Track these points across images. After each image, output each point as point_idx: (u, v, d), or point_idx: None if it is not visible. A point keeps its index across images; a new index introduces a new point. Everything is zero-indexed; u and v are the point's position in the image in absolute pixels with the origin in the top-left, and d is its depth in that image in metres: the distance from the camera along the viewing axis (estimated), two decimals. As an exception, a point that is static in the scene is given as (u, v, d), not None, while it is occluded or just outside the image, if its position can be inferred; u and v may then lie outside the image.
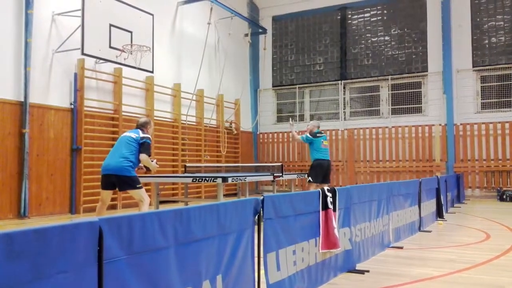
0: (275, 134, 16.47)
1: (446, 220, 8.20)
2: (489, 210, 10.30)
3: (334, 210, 4.11)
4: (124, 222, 1.96)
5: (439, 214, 8.34)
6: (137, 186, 5.88)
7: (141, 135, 5.99)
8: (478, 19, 13.91)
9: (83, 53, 8.97)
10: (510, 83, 13.41)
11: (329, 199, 4.01)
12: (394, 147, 14.61)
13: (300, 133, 10.68)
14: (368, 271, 4.36)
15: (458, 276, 4.29)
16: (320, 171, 8.59)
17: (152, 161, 6.11)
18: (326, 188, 4.09)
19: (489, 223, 8.04)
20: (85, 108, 9.79)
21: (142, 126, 6.14)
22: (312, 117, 15.84)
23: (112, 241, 1.87)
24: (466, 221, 8.24)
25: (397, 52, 14.99)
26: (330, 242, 3.96)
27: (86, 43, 8.90)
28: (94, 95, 10.17)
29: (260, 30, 16.42)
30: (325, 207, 3.95)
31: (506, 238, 6.39)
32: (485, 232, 6.90)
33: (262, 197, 3.02)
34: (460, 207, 10.80)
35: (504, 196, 12.59)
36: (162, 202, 8.23)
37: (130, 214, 2.04)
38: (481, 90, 13.88)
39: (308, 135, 8.71)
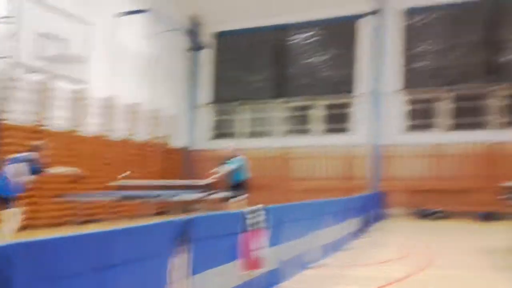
0: (211, 151, 16.40)
1: (368, 238, 8.53)
2: (410, 228, 10.88)
3: (262, 228, 4.13)
4: (35, 247, 1.86)
5: (362, 231, 8.67)
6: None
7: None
8: (408, 44, 14.79)
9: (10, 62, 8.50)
10: (433, 106, 14.35)
11: (249, 220, 4.01)
12: (325, 165, 15.08)
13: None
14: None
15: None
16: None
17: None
18: (248, 208, 4.11)
19: (409, 240, 8.48)
20: (6, 121, 9.24)
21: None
22: (251, 134, 16.04)
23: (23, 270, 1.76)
24: (387, 239, 8.63)
25: (330, 73, 15.63)
26: (251, 262, 3.95)
27: (14, 51, 8.44)
28: (19, 106, 9.62)
29: (201, 45, 16.44)
30: (245, 228, 3.95)
31: (423, 255, 6.77)
32: (405, 249, 7.27)
33: (182, 218, 2.98)
34: (382, 225, 11.29)
35: (424, 214, 13.36)
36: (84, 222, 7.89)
37: (42, 239, 1.95)
38: (407, 112, 14.71)
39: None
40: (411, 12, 14.74)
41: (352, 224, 8.02)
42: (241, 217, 3.93)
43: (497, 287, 4.87)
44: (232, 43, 16.85)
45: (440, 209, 13.33)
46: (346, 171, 14.84)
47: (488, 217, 12.76)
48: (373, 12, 14.78)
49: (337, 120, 15.36)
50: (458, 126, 14.09)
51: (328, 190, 14.64)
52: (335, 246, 6.81)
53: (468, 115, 13.98)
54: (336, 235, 6.88)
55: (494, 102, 13.72)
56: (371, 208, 10.12)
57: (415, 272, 5.50)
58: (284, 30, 16.19)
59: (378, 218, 11.74)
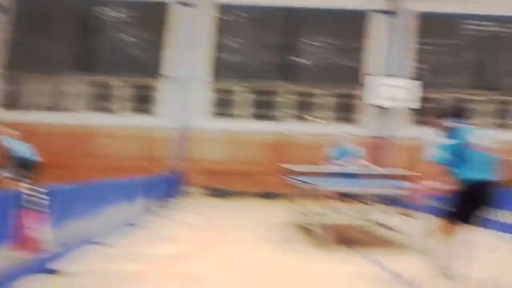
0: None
1: (162, 216, 8.61)
2: (205, 207, 11.36)
3: (42, 209, 3.79)
4: None
5: (155, 210, 8.68)
6: None
7: None
8: (220, 35, 15.33)
9: None
10: (234, 96, 15.29)
11: (28, 200, 3.65)
12: (128, 145, 14.69)
13: None
14: (70, 272, 4.17)
15: (160, 270, 4.53)
16: None
17: None
18: (28, 187, 3.73)
19: (202, 218, 8.85)
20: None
21: None
22: (50, 109, 14.63)
23: None
24: (181, 217, 8.87)
25: (139, 54, 15.22)
26: (26, 244, 3.61)
27: None
28: None
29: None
30: (22, 207, 3.58)
31: (212, 232, 7.14)
32: (195, 226, 7.55)
33: None
34: (178, 203, 11.54)
35: (217, 194, 14.23)
36: None
37: None
38: (211, 99, 15.35)
39: None
40: (224, 8, 15.37)
41: (146, 203, 7.97)
42: (18, 196, 3.54)
43: (274, 258, 5.41)
44: (33, 8, 15.01)
45: (233, 189, 14.35)
46: (149, 152, 14.74)
47: (272, 196, 14.23)
48: (186, 3, 14.90)
49: (143, 101, 15.10)
50: (254, 117, 15.36)
51: (130, 169, 14.34)
52: (125, 225, 6.67)
53: (262, 108, 15.36)
54: (127, 214, 6.74)
55: (284, 98, 15.38)
56: (168, 188, 10.23)
57: (202, 248, 5.75)
58: (92, 1, 15.19)
59: (175, 197, 11.95)
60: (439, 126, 4.38)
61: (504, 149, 14.38)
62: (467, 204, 4.10)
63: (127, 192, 6.83)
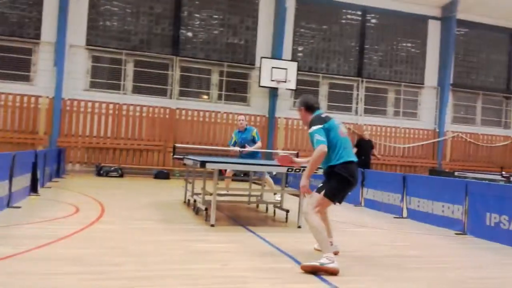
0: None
1: (40, 195, 8.05)
2: (86, 184, 10.81)
3: None
4: None
5: (34, 189, 8.11)
6: None
7: None
8: (95, 0, 14.32)
9: None
10: (118, 67, 14.48)
11: None
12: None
13: None
14: None
15: (37, 252, 4.26)
16: None
17: None
18: None
19: (83, 197, 8.42)
20: None
21: None
22: None
23: None
24: (60, 196, 8.35)
25: (9, 12, 13.64)
26: None
27: None
28: None
29: None
30: None
31: (94, 211, 6.84)
32: (76, 206, 7.17)
33: None
34: (58, 181, 10.88)
35: (101, 172, 13.53)
36: None
37: None
38: (92, 69, 14.40)
39: None
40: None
41: (22, 181, 7.36)
42: None
43: (157, 236, 5.36)
44: None
45: (118, 166, 13.77)
46: (22, 124, 13.50)
47: (161, 175, 14.00)
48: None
49: (15, 67, 13.66)
50: (140, 90, 14.74)
51: (2, 143, 13.08)
52: (-2, 205, 6.12)
53: (149, 81, 14.80)
54: (1, 192, 6.17)
55: (172, 72, 14.94)
56: (46, 165, 9.54)
57: (81, 228, 5.50)
58: None
59: (55, 175, 11.23)
60: (305, 118, 4.73)
61: (378, 132, 15.80)
62: (341, 185, 4.47)
63: (2, 168, 6.22)
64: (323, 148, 4.31)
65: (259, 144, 8.98)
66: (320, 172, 5.01)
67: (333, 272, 4.06)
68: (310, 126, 4.50)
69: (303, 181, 4.47)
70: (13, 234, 4.98)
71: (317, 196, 4.49)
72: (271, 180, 8.69)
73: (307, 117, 4.70)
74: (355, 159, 4.54)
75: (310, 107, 4.74)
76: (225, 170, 9.29)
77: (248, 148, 8.86)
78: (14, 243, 4.53)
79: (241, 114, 9.47)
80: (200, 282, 3.70)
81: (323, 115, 4.60)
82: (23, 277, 3.52)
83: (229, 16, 15.58)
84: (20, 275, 3.57)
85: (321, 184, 4.58)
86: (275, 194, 8.75)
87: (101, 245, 4.75)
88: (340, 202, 4.66)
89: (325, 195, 4.44)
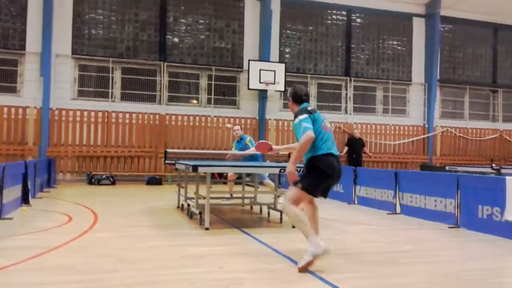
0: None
1: (31, 206, 7.98)
2: (78, 193, 10.73)
3: None
4: None
5: (25, 200, 8.03)
6: None
7: None
8: (80, 9, 14.25)
9: None
10: (106, 75, 14.41)
11: None
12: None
13: None
14: None
15: (31, 263, 4.22)
16: None
17: None
18: None
19: (75, 206, 8.36)
20: None
21: None
22: None
23: None
24: (52, 206, 8.28)
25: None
26: None
27: None
28: None
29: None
30: None
31: (86, 220, 6.80)
32: (69, 215, 7.12)
33: None
34: (49, 191, 10.79)
35: (93, 180, 13.44)
36: None
37: None
38: (79, 78, 14.31)
39: None
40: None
41: (13, 192, 7.29)
42: None
43: (151, 242, 5.34)
44: None
45: (109, 174, 13.69)
46: (11, 135, 13.37)
47: (153, 181, 13.94)
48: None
49: (2, 79, 13.52)
50: (128, 97, 14.67)
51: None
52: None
53: (137, 88, 14.72)
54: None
55: (160, 78, 14.91)
56: (37, 175, 9.46)
57: (75, 237, 5.46)
58: None
59: (46, 185, 11.14)
60: (292, 108, 4.77)
61: (369, 130, 15.88)
62: (318, 177, 4.40)
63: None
64: (310, 133, 4.27)
65: (252, 149, 9.12)
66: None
67: (325, 252, 4.14)
68: (295, 116, 4.49)
69: (290, 167, 4.39)
70: (6, 246, 4.93)
71: (294, 189, 4.41)
72: (272, 184, 8.73)
73: (293, 108, 4.73)
74: (335, 152, 4.47)
75: (298, 99, 4.74)
76: (219, 175, 9.34)
77: (237, 152, 9.06)
78: (7, 254, 4.49)
79: (236, 125, 9.64)
80: (196, 285, 3.69)
81: (309, 108, 4.56)
82: (18, 288, 3.49)
83: (215, 20, 15.59)
84: (15, 286, 3.54)
85: (299, 178, 4.47)
86: (278, 196, 8.71)
87: (96, 253, 4.72)
88: (323, 196, 4.61)
89: (302, 188, 4.36)
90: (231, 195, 8.92)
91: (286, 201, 4.41)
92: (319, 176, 4.38)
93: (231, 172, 8.86)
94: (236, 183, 9.48)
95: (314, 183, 4.40)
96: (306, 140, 4.26)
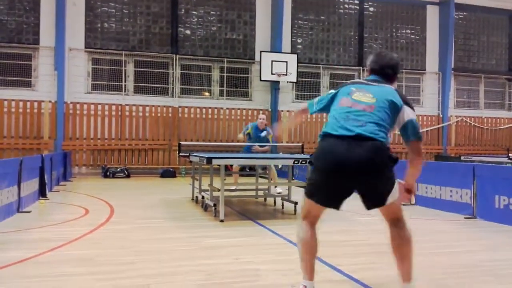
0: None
1: (49, 199, 8.10)
2: (93, 186, 10.86)
3: None
4: None
5: (42, 193, 8.15)
6: None
7: None
8: (92, 2, 14.32)
9: None
10: (119, 68, 14.49)
11: None
12: (6, 122, 13.33)
13: None
14: None
15: (51, 255, 4.29)
16: None
17: None
18: None
19: (91, 199, 8.47)
20: None
21: None
22: None
23: None
24: (69, 199, 8.39)
25: (6, 18, 13.65)
26: None
27: None
28: None
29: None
30: None
31: (103, 212, 6.88)
32: (85, 208, 7.21)
33: None
34: (65, 185, 10.93)
35: (108, 173, 13.58)
36: None
37: None
38: (92, 72, 14.41)
39: None
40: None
41: (30, 186, 7.40)
42: None
43: (167, 234, 5.39)
44: None
45: (124, 167, 13.82)
46: (26, 129, 13.55)
47: (167, 174, 14.04)
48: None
49: (17, 73, 13.67)
50: (141, 90, 14.74)
51: (8, 149, 13.18)
52: (8, 210, 6.16)
53: (150, 81, 14.79)
54: (10, 198, 6.21)
55: (173, 71, 14.94)
56: (53, 169, 9.58)
57: (92, 229, 5.53)
58: None
59: (62, 178, 11.29)
60: None
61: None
62: (310, 174, 3.15)
63: (9, 174, 6.26)
64: (304, 106, 3.47)
65: (268, 147, 9.27)
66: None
67: None
68: None
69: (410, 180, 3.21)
70: (25, 238, 5.02)
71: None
72: (275, 172, 8.78)
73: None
74: (338, 131, 2.89)
75: (367, 69, 3.41)
76: (231, 166, 9.37)
77: (258, 148, 9.07)
78: (27, 247, 4.57)
79: (262, 114, 9.70)
80: (213, 276, 3.72)
81: (356, 80, 3.34)
82: (40, 280, 3.55)
83: (226, 12, 15.55)
84: (36, 278, 3.60)
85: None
86: (276, 186, 8.77)
87: (113, 245, 4.78)
88: (333, 206, 3.01)
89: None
90: (236, 187, 8.94)
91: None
92: (311, 173, 3.09)
93: (235, 164, 8.90)
94: (249, 175, 9.51)
95: (308, 184, 3.10)
96: (299, 110, 3.59)
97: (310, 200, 3.05)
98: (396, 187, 2.93)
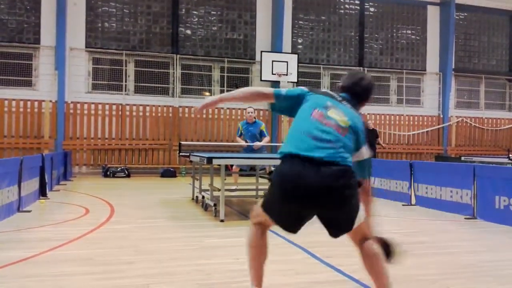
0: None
1: (49, 198, 8.10)
2: (94, 186, 10.86)
3: None
4: None
5: (42, 192, 8.15)
6: None
7: None
8: (92, 2, 14.32)
9: None
10: (119, 68, 14.50)
11: None
12: (6, 122, 13.33)
13: None
14: None
15: (51, 254, 4.29)
16: None
17: None
18: None
19: (91, 198, 8.47)
20: None
21: None
22: None
23: None
24: (69, 198, 8.39)
25: (7, 18, 13.65)
26: None
27: None
28: None
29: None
30: None
31: (103, 212, 6.88)
32: (86, 207, 7.21)
33: None
34: (66, 184, 10.93)
35: (108, 173, 13.58)
36: None
37: None
38: (93, 71, 14.41)
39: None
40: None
41: (30, 185, 7.40)
42: None
43: (167, 234, 5.39)
44: None
45: (124, 167, 13.82)
46: (27, 129, 13.55)
47: (167, 173, 14.04)
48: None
49: (17, 73, 13.67)
50: (142, 90, 14.74)
51: (9, 149, 13.18)
52: (9, 209, 6.16)
53: (151, 81, 14.79)
54: (10, 197, 6.21)
55: (173, 71, 14.94)
56: (53, 168, 9.59)
57: (92, 229, 5.53)
58: None
59: (62, 178, 11.29)
60: None
61: (382, 121, 15.73)
62: (270, 189, 2.93)
63: (9, 173, 6.26)
64: (267, 89, 3.04)
65: (267, 138, 8.95)
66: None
67: None
68: None
69: (210, 98, 3.18)
70: (26, 238, 5.02)
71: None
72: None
73: None
74: (306, 152, 2.61)
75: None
76: (231, 166, 9.32)
77: (258, 143, 8.79)
78: (27, 246, 4.57)
79: (250, 107, 9.43)
80: (213, 276, 3.72)
81: (326, 91, 3.01)
82: (40, 279, 3.55)
83: (227, 12, 15.55)
84: (36, 277, 3.60)
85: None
86: None
87: (113, 244, 4.78)
88: (290, 229, 2.86)
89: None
90: (236, 186, 8.84)
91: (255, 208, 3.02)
92: (271, 188, 2.82)
93: (235, 164, 8.70)
94: (249, 175, 9.47)
95: (268, 198, 2.88)
96: (253, 89, 3.13)
97: (264, 211, 2.85)
98: (361, 208, 2.77)
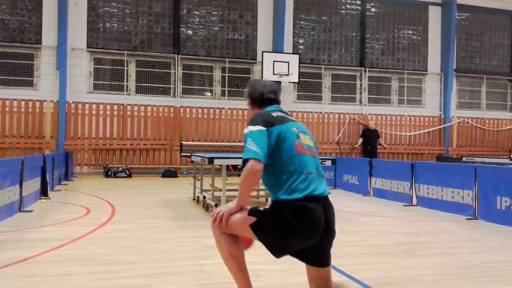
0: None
1: (50, 198, 8.11)
2: (95, 186, 10.87)
3: None
4: None
5: (44, 192, 8.16)
6: None
7: None
8: (94, 2, 14.34)
9: None
10: (121, 68, 14.50)
11: None
12: (7, 121, 13.34)
13: None
14: None
15: (52, 254, 4.30)
16: None
17: None
18: None
19: (92, 198, 8.47)
20: None
21: None
22: None
23: None
24: (70, 198, 8.39)
25: (8, 18, 13.67)
26: None
27: None
28: None
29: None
30: None
31: (104, 212, 6.88)
32: (87, 207, 7.22)
33: None
34: (67, 184, 10.94)
35: (109, 173, 13.59)
36: None
37: None
38: (94, 71, 14.43)
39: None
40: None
41: (32, 185, 7.41)
42: None
43: (168, 234, 5.39)
44: None
45: (125, 167, 13.82)
46: (28, 129, 13.56)
47: (168, 173, 14.04)
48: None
49: (19, 73, 13.68)
50: (143, 90, 14.74)
51: (10, 149, 13.19)
52: (10, 209, 6.17)
53: (152, 81, 14.78)
54: (12, 197, 6.22)
55: (175, 71, 14.94)
56: (55, 168, 9.59)
57: (93, 229, 5.54)
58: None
59: (63, 178, 11.30)
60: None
61: (384, 121, 15.68)
62: (280, 227, 2.66)
63: (10, 173, 6.26)
64: (254, 165, 2.51)
65: None
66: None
67: None
68: (248, 125, 2.71)
69: (229, 205, 2.74)
70: (27, 238, 5.02)
71: (243, 216, 2.69)
72: None
73: (253, 113, 2.98)
74: (319, 191, 2.58)
75: (257, 99, 2.96)
76: (234, 167, 9.33)
77: None
78: (28, 246, 4.57)
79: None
80: (214, 276, 3.72)
81: (275, 113, 2.75)
82: (41, 279, 3.55)
83: (228, 12, 15.55)
84: (38, 277, 3.60)
85: (261, 208, 2.72)
86: None
87: (114, 244, 4.78)
88: (274, 251, 2.68)
89: (252, 225, 2.64)
90: None
91: (217, 220, 2.75)
92: (281, 226, 2.55)
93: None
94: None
95: (277, 243, 2.63)
96: (247, 174, 2.53)
97: (273, 254, 2.69)
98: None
